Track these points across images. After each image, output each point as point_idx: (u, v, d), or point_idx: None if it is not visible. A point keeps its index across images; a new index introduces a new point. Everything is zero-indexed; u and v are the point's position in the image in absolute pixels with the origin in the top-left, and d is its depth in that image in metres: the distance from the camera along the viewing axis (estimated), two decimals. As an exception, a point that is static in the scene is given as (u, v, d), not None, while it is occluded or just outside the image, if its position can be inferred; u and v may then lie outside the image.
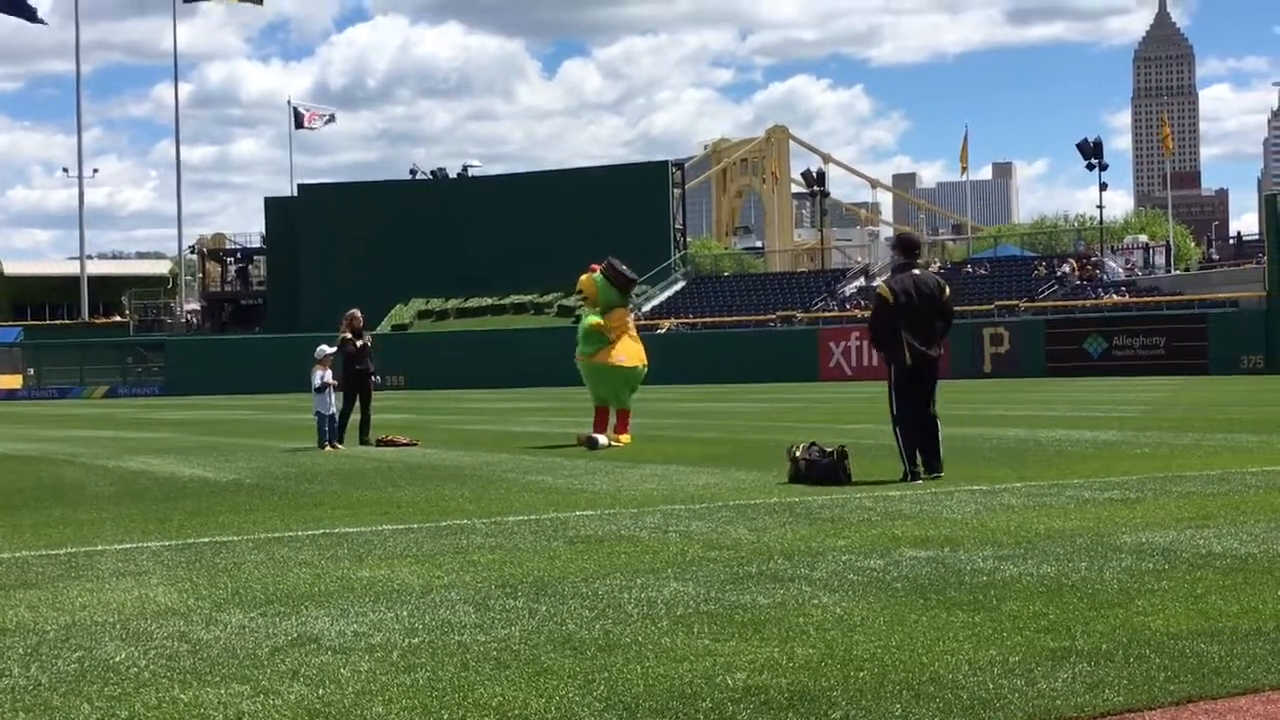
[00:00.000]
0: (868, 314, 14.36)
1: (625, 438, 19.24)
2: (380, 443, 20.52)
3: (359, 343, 21.09)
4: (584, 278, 20.11)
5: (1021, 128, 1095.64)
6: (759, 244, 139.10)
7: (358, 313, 21.64)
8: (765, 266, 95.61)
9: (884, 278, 13.71)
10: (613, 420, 19.73)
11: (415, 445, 20.21)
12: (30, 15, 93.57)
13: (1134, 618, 6.21)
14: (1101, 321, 55.19)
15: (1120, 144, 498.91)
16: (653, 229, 75.73)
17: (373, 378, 21.42)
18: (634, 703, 5.00)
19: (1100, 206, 72.01)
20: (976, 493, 11.62)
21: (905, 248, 13.83)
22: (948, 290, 13.32)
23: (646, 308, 69.76)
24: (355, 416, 21.22)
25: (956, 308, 52.36)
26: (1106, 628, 6.01)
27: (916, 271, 13.28)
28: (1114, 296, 59.42)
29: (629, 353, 19.67)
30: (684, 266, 77.34)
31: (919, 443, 12.93)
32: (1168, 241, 78.21)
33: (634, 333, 20.23)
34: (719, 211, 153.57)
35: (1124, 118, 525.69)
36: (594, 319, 19.51)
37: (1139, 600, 6.60)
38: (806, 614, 6.46)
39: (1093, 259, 64.37)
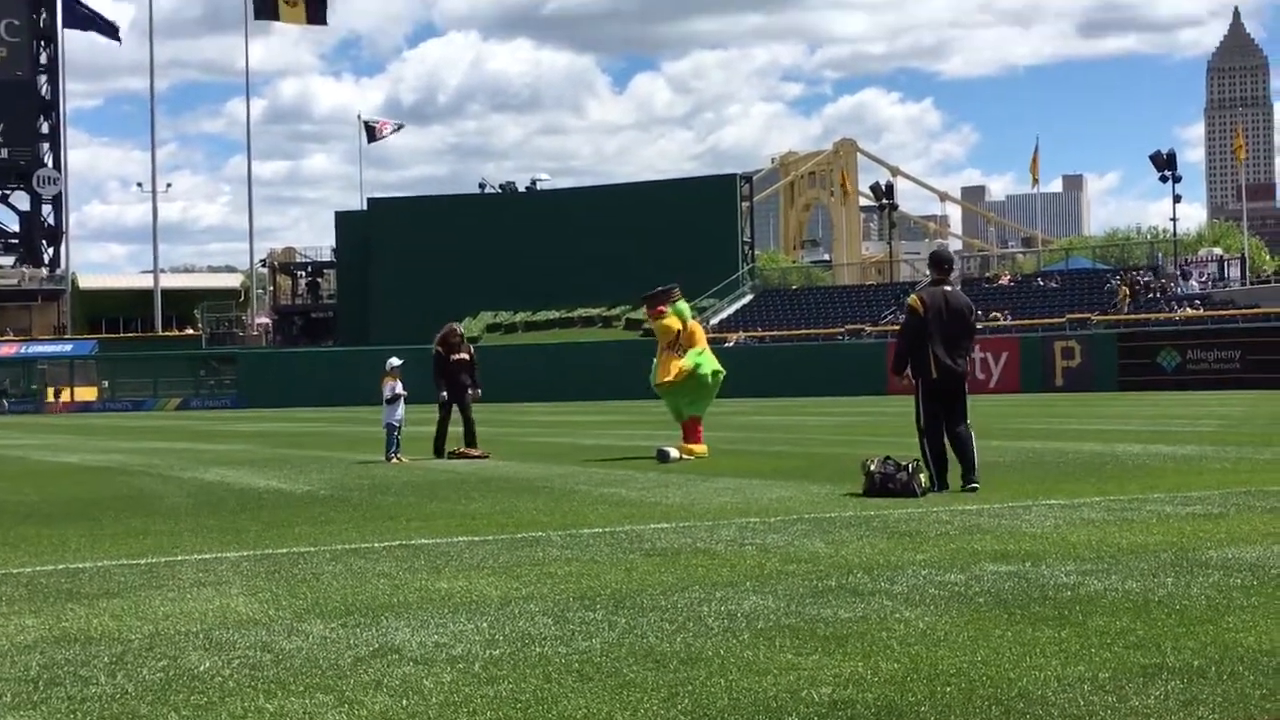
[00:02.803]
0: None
1: (699, 448, 19.19)
2: (453, 455, 20.59)
3: (454, 356, 21.21)
4: (662, 324, 19.79)
5: (1093, 140, 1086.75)
6: (827, 257, 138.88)
7: (456, 326, 22.09)
8: (833, 279, 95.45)
9: (916, 291, 13.86)
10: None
11: (487, 458, 20.27)
12: (112, 32, 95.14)
13: (1225, 634, 6.10)
14: (1175, 335, 54.55)
15: (1193, 156, 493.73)
16: (721, 242, 75.85)
17: (471, 391, 21.41)
18: (719, 716, 4.96)
19: (1174, 219, 71.34)
20: (1055, 507, 11.50)
21: (938, 264, 13.97)
22: (976, 312, 13.53)
23: (714, 320, 69.74)
24: (448, 427, 21.27)
25: (1027, 320, 51.84)
26: (1197, 644, 5.91)
27: (949, 288, 13.35)
28: (1187, 310, 58.71)
29: (714, 359, 19.83)
30: (752, 279, 77.31)
31: (955, 456, 13.11)
32: (1242, 254, 77.25)
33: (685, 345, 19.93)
34: (787, 224, 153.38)
35: (1197, 130, 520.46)
36: (695, 361, 19.41)
37: (1229, 616, 6.49)
38: (889, 628, 6.40)
39: (1145, 279, 63.34)
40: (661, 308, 19.78)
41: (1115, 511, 11.06)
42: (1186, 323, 56.56)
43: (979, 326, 13.96)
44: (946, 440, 13.18)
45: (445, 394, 21.06)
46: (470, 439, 20.96)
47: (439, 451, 20.83)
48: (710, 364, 19.64)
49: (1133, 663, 5.61)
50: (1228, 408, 33.24)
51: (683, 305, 20.03)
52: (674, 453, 18.66)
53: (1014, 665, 5.61)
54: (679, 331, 19.65)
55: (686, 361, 19.38)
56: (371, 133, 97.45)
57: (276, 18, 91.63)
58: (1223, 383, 50.04)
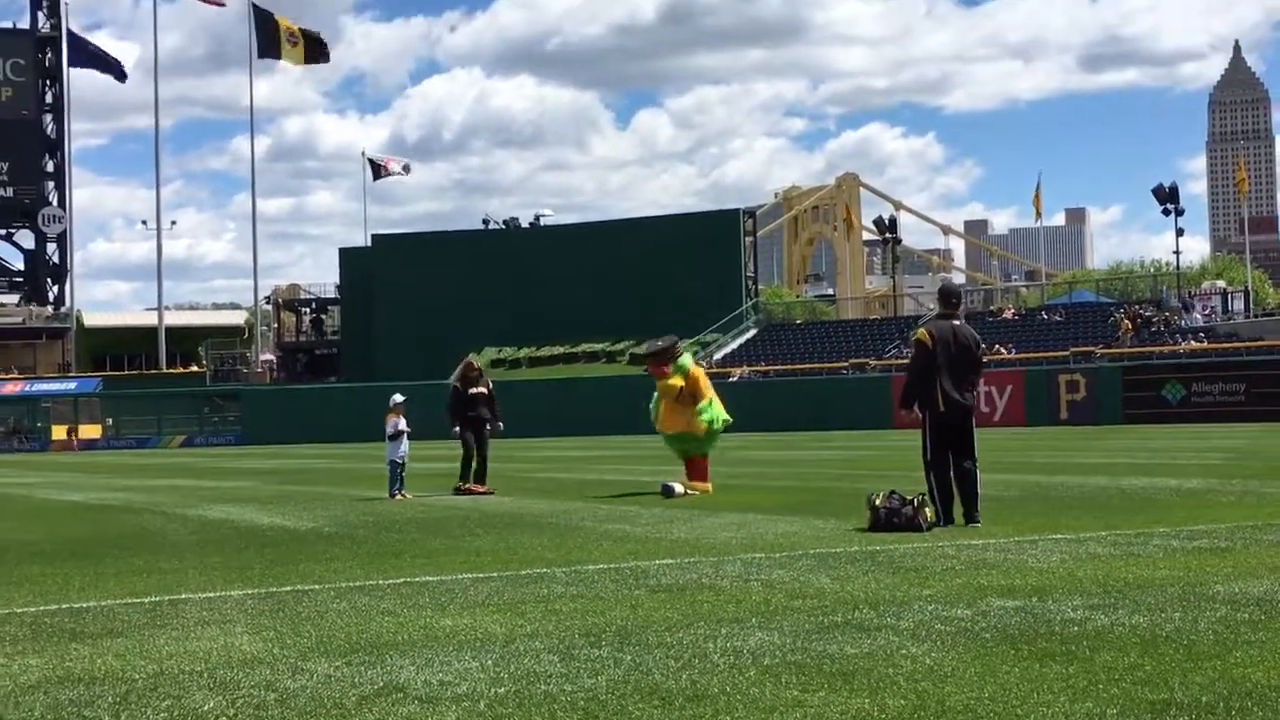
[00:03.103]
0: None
1: (703, 485, 19.16)
2: (457, 491, 20.55)
3: (471, 391, 21.09)
4: (668, 384, 19.51)
5: (1095, 174, 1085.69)
6: (830, 291, 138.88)
7: (472, 360, 22.06)
8: (837, 314, 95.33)
9: (923, 324, 13.86)
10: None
11: (492, 494, 20.23)
12: (117, 71, 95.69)
13: (1233, 669, 6.07)
14: (1180, 368, 54.49)
15: (1196, 189, 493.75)
16: (724, 277, 75.84)
17: (490, 425, 21.24)
18: (725, 754, 4.94)
19: (1177, 252, 71.42)
20: (1061, 541, 11.47)
21: (946, 298, 14.00)
22: (982, 346, 13.56)
23: (718, 355, 69.74)
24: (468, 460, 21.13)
25: (1031, 354, 51.51)
26: (1205, 679, 5.88)
27: (956, 322, 13.38)
28: (1192, 343, 58.68)
29: (721, 405, 19.82)
30: (755, 314, 77.29)
31: (958, 491, 13.09)
32: (1246, 287, 77.26)
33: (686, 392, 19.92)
34: (790, 259, 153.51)
35: (1199, 163, 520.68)
36: (705, 415, 19.37)
37: (1236, 651, 6.46)
38: (896, 664, 6.37)
39: (1146, 313, 63.24)
40: (665, 367, 19.60)
41: (1121, 546, 11.03)
42: (1191, 355, 56.52)
43: (985, 360, 13.96)
44: (952, 475, 13.16)
45: (458, 429, 20.94)
46: (481, 475, 20.86)
47: (464, 480, 20.67)
48: (720, 415, 19.54)
49: (1140, 699, 5.58)
50: (1233, 441, 33.17)
51: (684, 360, 19.78)
52: (679, 488, 18.63)
53: (1021, 701, 5.58)
54: (681, 387, 19.50)
55: (699, 422, 19.22)
56: (377, 170, 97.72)
57: (279, 57, 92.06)
58: (1228, 415, 49.95)
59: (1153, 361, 56.58)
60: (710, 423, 19.33)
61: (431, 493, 20.67)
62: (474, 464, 20.91)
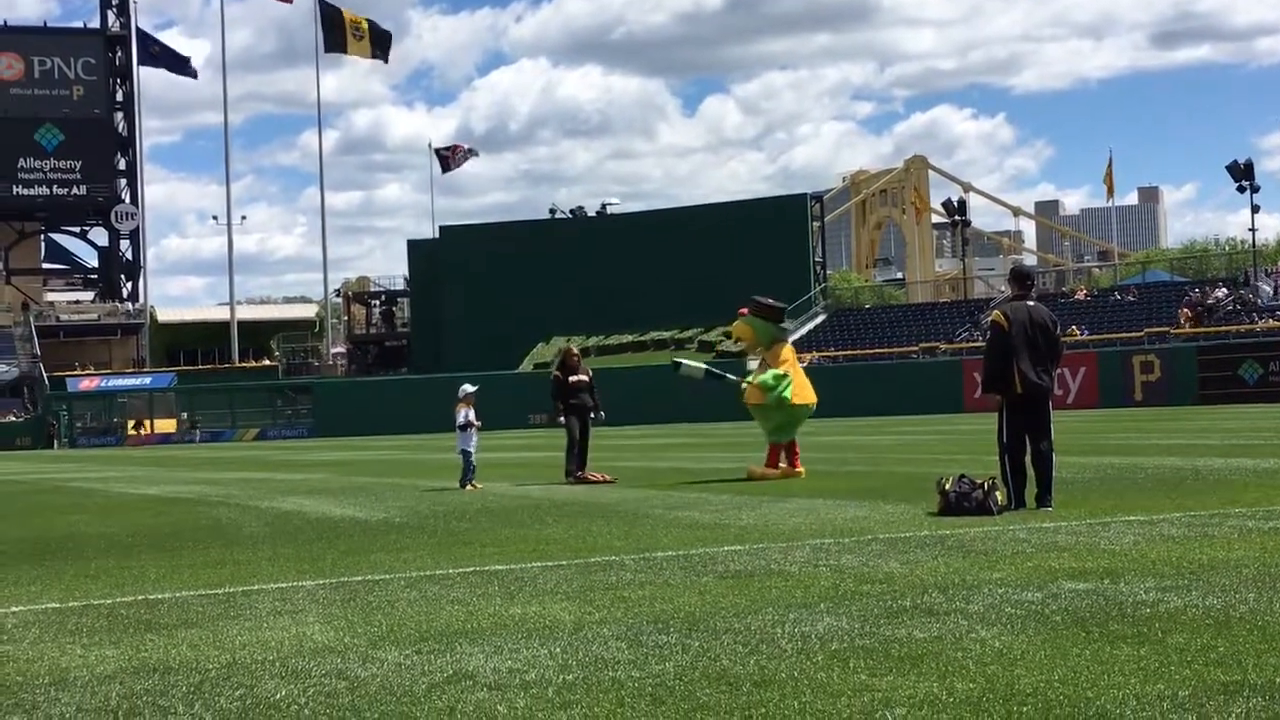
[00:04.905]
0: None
1: (773, 472, 19.16)
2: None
3: (573, 378, 21.05)
4: (737, 324, 20.31)
5: (1168, 152, 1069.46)
6: (900, 275, 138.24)
7: (572, 348, 22.22)
8: (906, 298, 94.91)
9: (996, 306, 13.74)
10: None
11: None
12: (183, 68, 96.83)
13: (1308, 650, 5.99)
14: (1257, 347, 53.77)
15: (1272, 165, 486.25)
16: (792, 262, 75.63)
17: (593, 414, 21.14)
18: (793, 739, 4.93)
19: (1253, 229, 70.32)
20: (1134, 523, 11.36)
21: (1019, 279, 13.88)
22: (1058, 326, 13.40)
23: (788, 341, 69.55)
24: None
25: (1104, 335, 50.76)
26: (1279, 661, 5.81)
27: (1030, 302, 13.23)
28: (1270, 321, 57.86)
29: (803, 389, 19.72)
30: (824, 299, 77.06)
31: (1034, 473, 12.99)
32: (1324, 263, 76.04)
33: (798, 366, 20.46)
34: (859, 243, 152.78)
35: (1275, 139, 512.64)
36: (770, 377, 19.38)
37: (1312, 632, 6.37)
38: (964, 648, 6.34)
39: (1207, 301, 62.22)
40: (743, 310, 20.09)
41: (1195, 527, 10.91)
42: (1268, 334, 55.74)
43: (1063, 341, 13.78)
44: (1028, 457, 13.06)
45: (563, 418, 20.88)
46: (583, 462, 20.75)
47: (570, 474, 20.63)
48: (784, 394, 19.36)
49: (1213, 680, 5.52)
50: (1311, 420, 32.70)
51: (769, 326, 19.92)
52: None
53: (1092, 684, 5.54)
54: (757, 346, 19.91)
55: (763, 377, 19.34)
56: (445, 162, 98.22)
57: (345, 51, 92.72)
58: (1306, 394, 49.23)
59: (1229, 341, 55.87)
60: (764, 388, 19.25)
61: (505, 482, 20.73)
62: (572, 451, 20.77)
